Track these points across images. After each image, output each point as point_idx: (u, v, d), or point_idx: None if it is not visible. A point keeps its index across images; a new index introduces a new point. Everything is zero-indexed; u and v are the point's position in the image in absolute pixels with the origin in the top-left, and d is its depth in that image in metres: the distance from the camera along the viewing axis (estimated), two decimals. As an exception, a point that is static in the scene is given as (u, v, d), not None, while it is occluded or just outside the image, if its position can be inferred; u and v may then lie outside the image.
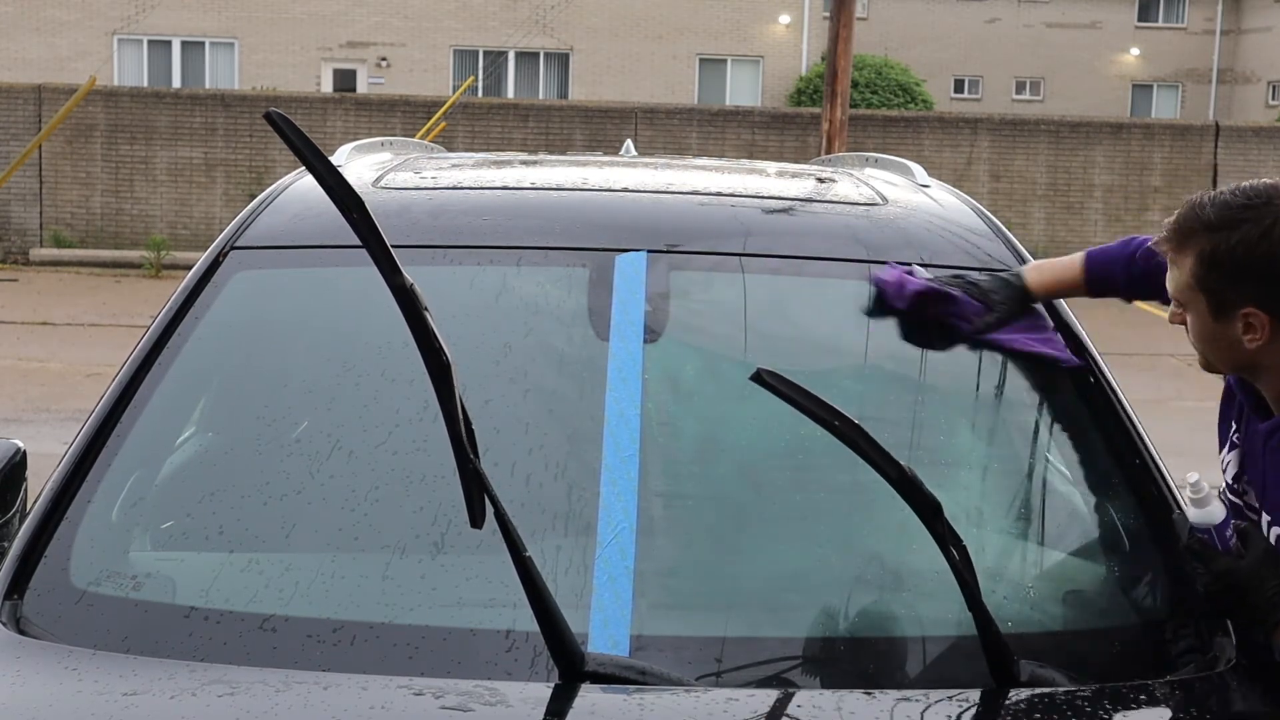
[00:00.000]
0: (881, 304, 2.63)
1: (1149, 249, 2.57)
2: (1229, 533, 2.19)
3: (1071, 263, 2.71)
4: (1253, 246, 2.17)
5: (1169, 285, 2.30)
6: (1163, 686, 2.08)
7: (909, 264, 2.69)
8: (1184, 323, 2.32)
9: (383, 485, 2.32)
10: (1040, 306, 2.70)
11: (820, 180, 3.33)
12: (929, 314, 2.60)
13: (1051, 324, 2.68)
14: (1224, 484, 2.40)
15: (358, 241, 1.84)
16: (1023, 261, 2.86)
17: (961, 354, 2.62)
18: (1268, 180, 2.25)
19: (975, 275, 2.67)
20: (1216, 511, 2.19)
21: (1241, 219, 2.19)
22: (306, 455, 2.39)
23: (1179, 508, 2.30)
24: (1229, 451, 2.39)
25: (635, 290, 2.57)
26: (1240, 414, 2.38)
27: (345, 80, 30.18)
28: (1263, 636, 2.16)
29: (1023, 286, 2.66)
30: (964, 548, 1.95)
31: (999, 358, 2.67)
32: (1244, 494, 2.35)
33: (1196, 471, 2.22)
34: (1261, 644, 2.16)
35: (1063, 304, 2.78)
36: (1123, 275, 2.67)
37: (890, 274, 2.65)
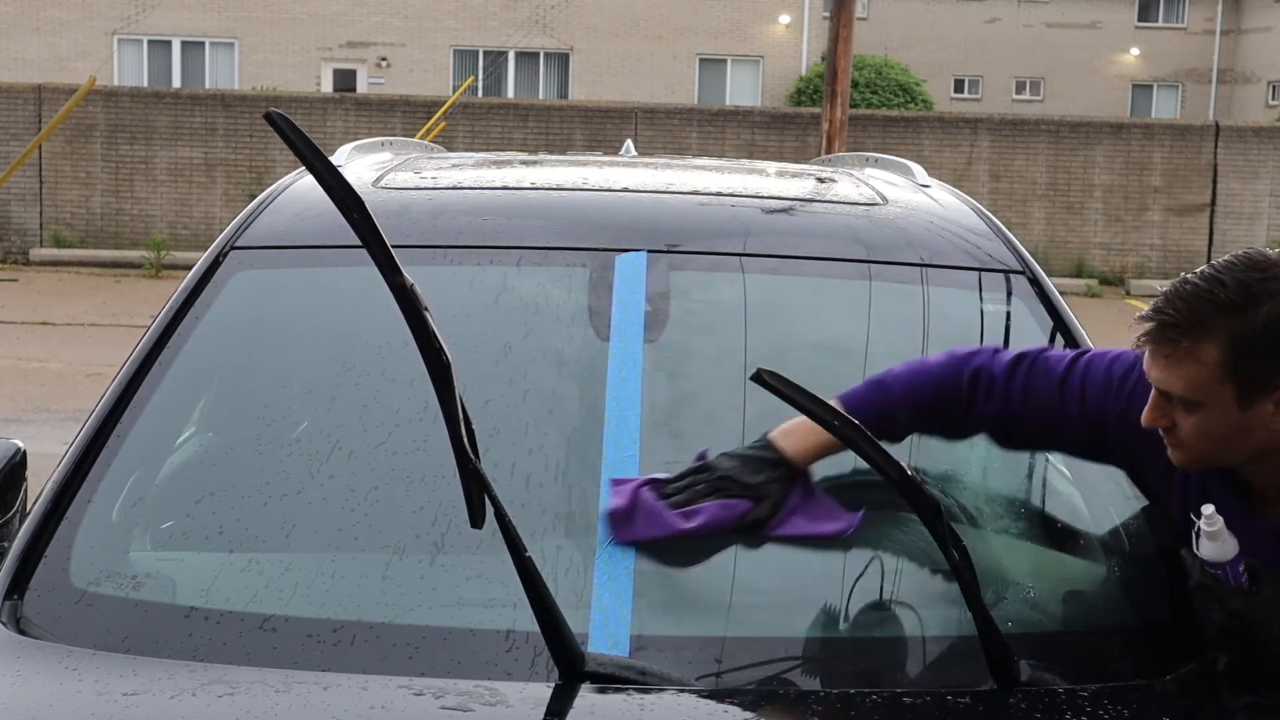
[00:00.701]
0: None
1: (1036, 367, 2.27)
2: (1241, 569, 2.11)
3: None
4: None
5: (1175, 386, 2.04)
6: (1163, 686, 2.08)
7: (645, 480, 2.24)
8: (1169, 425, 2.09)
9: (383, 485, 2.32)
10: (809, 470, 2.29)
11: (820, 180, 3.33)
12: (687, 530, 2.19)
13: (811, 484, 2.30)
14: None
15: (358, 241, 1.84)
16: (1022, 261, 2.86)
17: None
18: (1248, 250, 2.08)
19: (723, 464, 2.25)
20: (1230, 547, 2.10)
21: (1267, 290, 1.99)
22: (306, 455, 2.39)
23: (1190, 543, 2.23)
24: (1229, 535, 2.17)
25: (635, 290, 2.57)
26: (1216, 503, 2.16)
27: (345, 80, 30.18)
28: (1276, 674, 2.10)
29: (782, 460, 2.26)
30: (964, 548, 1.95)
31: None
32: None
33: (1211, 504, 2.12)
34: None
35: (1062, 304, 2.78)
36: (903, 415, 2.30)
37: (627, 506, 2.19)
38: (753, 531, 2.22)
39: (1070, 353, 2.36)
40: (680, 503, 2.21)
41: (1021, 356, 2.34)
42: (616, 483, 2.22)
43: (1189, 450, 2.11)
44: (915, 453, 2.44)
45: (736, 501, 2.22)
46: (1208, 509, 2.10)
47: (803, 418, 2.15)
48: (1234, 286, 2.00)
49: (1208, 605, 2.12)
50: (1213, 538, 2.10)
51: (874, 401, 2.30)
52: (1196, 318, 2.01)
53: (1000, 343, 2.75)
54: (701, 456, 2.29)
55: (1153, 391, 2.10)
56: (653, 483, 2.23)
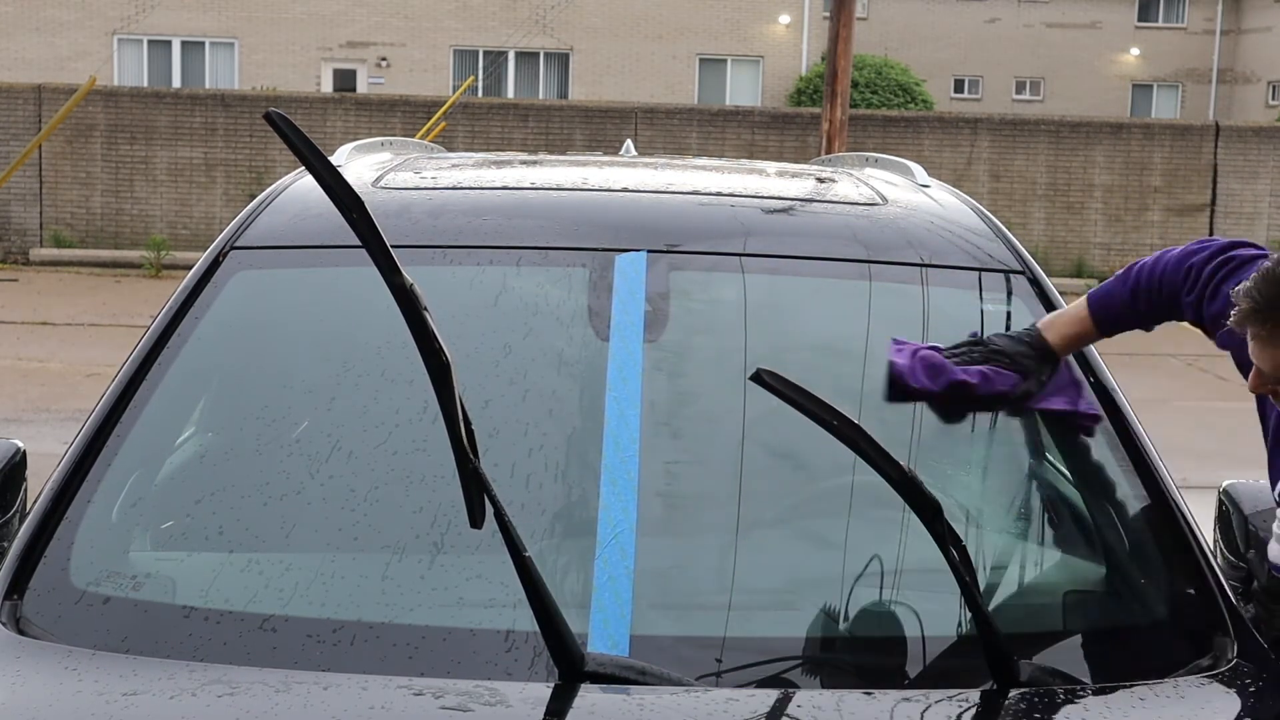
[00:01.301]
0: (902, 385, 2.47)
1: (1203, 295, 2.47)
2: None
3: (1079, 312, 2.59)
4: None
5: (1265, 365, 2.19)
6: (1163, 686, 2.08)
7: (926, 346, 2.52)
8: (1271, 392, 2.22)
9: (383, 485, 2.32)
10: (1069, 360, 2.59)
11: (820, 180, 3.33)
12: (962, 396, 2.46)
13: (1078, 377, 2.59)
14: None
15: (358, 241, 1.84)
16: (1022, 261, 2.86)
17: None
18: None
19: (998, 342, 2.53)
20: None
21: None
22: (306, 455, 2.39)
23: (1248, 547, 2.21)
24: None
25: (635, 290, 2.57)
26: None
27: (345, 80, 30.18)
28: None
29: (1047, 348, 2.55)
30: (964, 548, 1.95)
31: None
32: None
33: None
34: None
35: (1063, 304, 2.78)
36: (1129, 312, 2.58)
37: (910, 361, 2.48)
38: (1022, 402, 2.48)
39: (1268, 250, 2.48)
40: (959, 363, 2.46)
41: (1228, 254, 2.50)
42: (897, 344, 2.49)
43: None
44: (914, 452, 2.45)
45: (1007, 373, 2.48)
46: None
47: (1066, 310, 2.58)
48: None
49: (1274, 609, 2.11)
50: None
51: (1115, 293, 2.57)
52: (1277, 303, 2.14)
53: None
54: (974, 335, 2.56)
55: (1255, 369, 2.22)
56: (930, 348, 2.49)
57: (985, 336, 2.56)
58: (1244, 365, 2.37)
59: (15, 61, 28.45)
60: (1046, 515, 2.51)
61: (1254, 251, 2.50)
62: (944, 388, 2.45)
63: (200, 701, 1.89)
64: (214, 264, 2.72)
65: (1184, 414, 10.47)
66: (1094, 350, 2.69)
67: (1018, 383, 2.48)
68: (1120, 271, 2.62)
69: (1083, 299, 2.59)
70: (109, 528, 2.29)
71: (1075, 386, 2.56)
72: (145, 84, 28.33)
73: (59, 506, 2.26)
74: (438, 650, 2.01)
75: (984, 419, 2.61)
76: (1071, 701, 1.97)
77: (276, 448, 2.43)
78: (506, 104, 21.52)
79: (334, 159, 3.03)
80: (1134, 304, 2.56)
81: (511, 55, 30.61)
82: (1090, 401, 2.53)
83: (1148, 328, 2.63)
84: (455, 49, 30.59)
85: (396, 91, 26.28)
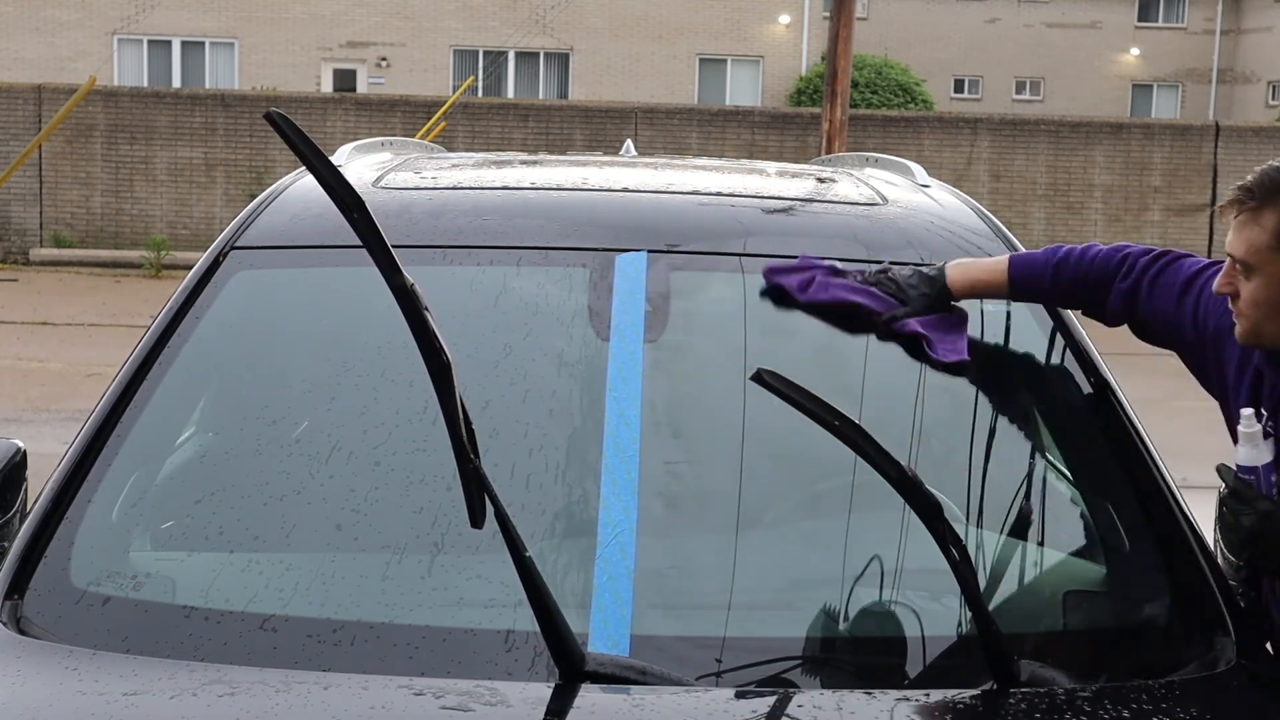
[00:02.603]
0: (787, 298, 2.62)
1: (1079, 257, 2.59)
2: (1273, 479, 2.17)
3: (997, 264, 2.65)
4: None
5: (1237, 248, 2.24)
6: (1163, 686, 2.08)
7: (824, 261, 2.65)
8: (1233, 292, 2.27)
9: (383, 485, 2.32)
10: (962, 305, 2.65)
11: (820, 180, 3.33)
12: (839, 308, 2.60)
13: (964, 322, 2.63)
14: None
15: (358, 241, 1.85)
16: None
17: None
18: None
19: (898, 269, 2.64)
20: (1265, 453, 2.18)
21: None
22: (306, 455, 2.39)
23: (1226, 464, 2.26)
24: (1266, 441, 2.30)
25: (635, 290, 2.57)
26: (1273, 398, 2.30)
27: (345, 80, 30.18)
28: None
29: (943, 283, 2.62)
30: (964, 548, 1.95)
31: (999, 358, 2.67)
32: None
33: (1251, 409, 2.19)
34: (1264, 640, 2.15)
35: (1069, 313, 2.78)
36: (1048, 282, 2.62)
37: (793, 279, 2.62)
38: (890, 324, 2.57)
39: (1208, 260, 2.52)
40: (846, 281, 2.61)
41: (1166, 252, 2.59)
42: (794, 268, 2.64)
43: (1245, 320, 2.26)
44: (915, 452, 2.45)
45: (886, 298, 2.60)
46: (1246, 412, 2.19)
47: (986, 259, 2.67)
48: None
49: (1239, 510, 2.17)
50: (1248, 440, 2.19)
51: (1037, 260, 2.63)
52: (1266, 187, 2.21)
53: (1001, 342, 2.77)
54: (888, 264, 2.68)
55: (1226, 260, 2.28)
56: (828, 269, 2.63)
57: (894, 268, 2.65)
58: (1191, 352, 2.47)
59: (15, 61, 28.45)
60: (1046, 515, 2.51)
61: (1184, 253, 2.59)
62: (818, 300, 2.59)
63: (200, 701, 1.89)
64: (214, 264, 2.72)
65: (1184, 414, 10.46)
66: (1094, 349, 2.69)
67: (891, 308, 2.59)
68: (1050, 246, 2.68)
69: (1005, 255, 2.67)
70: (109, 528, 2.29)
71: (949, 333, 2.59)
72: (145, 84, 28.34)
73: (59, 506, 2.26)
74: (438, 650, 2.01)
75: (985, 418, 2.61)
76: (1071, 701, 1.97)
77: (276, 448, 2.43)
78: (506, 104, 21.52)
79: (334, 159, 3.03)
80: (1055, 276, 2.61)
81: (511, 55, 30.61)
82: (954, 348, 2.56)
83: (1052, 306, 2.69)
84: (455, 49, 30.59)
85: (396, 91, 26.28)
